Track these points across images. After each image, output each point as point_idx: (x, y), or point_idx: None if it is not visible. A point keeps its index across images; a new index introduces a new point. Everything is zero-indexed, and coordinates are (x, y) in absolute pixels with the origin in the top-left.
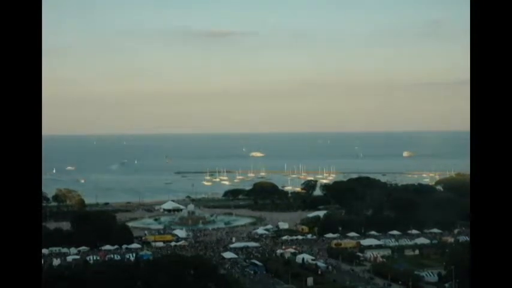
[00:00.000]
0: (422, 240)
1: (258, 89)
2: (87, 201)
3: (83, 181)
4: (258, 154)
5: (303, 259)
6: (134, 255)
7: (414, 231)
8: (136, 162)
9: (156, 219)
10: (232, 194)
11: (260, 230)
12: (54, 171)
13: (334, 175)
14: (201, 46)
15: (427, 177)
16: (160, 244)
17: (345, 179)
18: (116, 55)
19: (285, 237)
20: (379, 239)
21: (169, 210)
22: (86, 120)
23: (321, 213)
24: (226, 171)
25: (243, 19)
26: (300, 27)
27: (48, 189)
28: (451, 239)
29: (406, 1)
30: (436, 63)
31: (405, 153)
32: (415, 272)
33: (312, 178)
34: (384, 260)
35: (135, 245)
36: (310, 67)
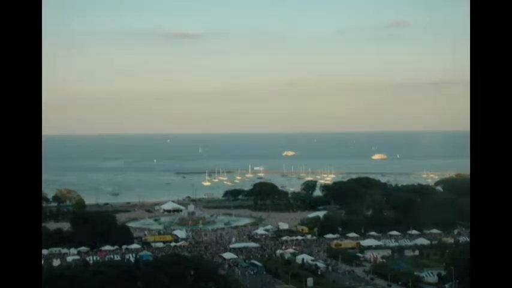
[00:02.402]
0: (422, 241)
1: (237, 90)
2: (87, 201)
3: None
4: (290, 153)
5: (303, 259)
6: (134, 255)
7: (414, 232)
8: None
9: (156, 220)
10: (232, 194)
11: (260, 231)
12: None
13: (333, 175)
14: (167, 47)
15: (428, 178)
16: (160, 244)
17: (344, 180)
18: (80, 55)
19: (284, 238)
20: (379, 240)
21: (169, 211)
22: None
23: (321, 213)
24: (227, 172)
25: (208, 20)
26: (265, 28)
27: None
28: (450, 240)
29: (370, 2)
30: (400, 64)
31: (376, 156)
32: (415, 273)
33: (310, 178)
34: (384, 260)
35: (135, 246)
36: (281, 67)
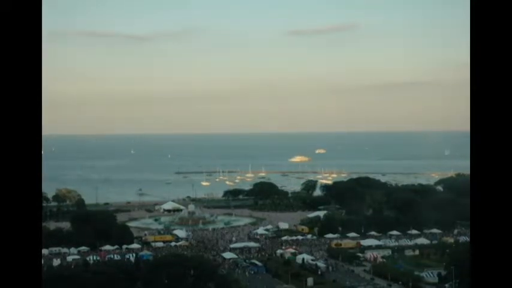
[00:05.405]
0: (422, 241)
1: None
2: (87, 201)
3: None
4: (322, 151)
5: (303, 259)
6: (134, 255)
7: (414, 232)
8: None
9: (156, 220)
10: (232, 194)
11: (260, 230)
12: None
13: (335, 175)
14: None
15: (429, 178)
16: (160, 244)
17: (344, 179)
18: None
19: (285, 238)
20: (379, 239)
21: (169, 210)
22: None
23: (321, 213)
24: (228, 172)
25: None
26: (215, 28)
27: None
28: (451, 239)
29: (326, 3)
30: (354, 65)
31: (296, 158)
32: (415, 272)
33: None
34: (384, 260)
35: (135, 245)
36: (238, 69)
